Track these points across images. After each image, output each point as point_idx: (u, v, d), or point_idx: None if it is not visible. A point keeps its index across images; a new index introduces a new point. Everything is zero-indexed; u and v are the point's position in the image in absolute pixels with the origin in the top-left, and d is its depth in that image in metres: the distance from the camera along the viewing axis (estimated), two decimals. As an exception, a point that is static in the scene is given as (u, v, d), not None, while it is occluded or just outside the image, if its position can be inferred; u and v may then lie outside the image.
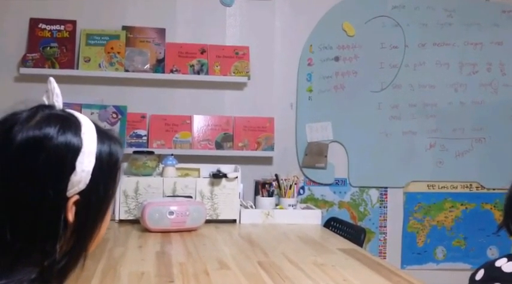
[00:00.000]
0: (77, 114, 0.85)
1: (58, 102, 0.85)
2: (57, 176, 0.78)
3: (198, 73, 3.10)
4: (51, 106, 0.84)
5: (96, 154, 0.82)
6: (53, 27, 3.00)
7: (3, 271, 0.75)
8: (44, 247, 0.78)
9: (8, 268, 0.76)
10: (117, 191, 2.61)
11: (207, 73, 3.10)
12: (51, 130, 0.78)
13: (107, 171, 0.84)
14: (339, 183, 3.26)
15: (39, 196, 0.77)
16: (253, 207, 2.86)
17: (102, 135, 0.85)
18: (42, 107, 0.83)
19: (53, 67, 2.95)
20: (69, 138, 0.79)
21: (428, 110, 3.30)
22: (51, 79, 0.87)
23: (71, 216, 0.80)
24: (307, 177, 3.23)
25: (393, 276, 1.76)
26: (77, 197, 0.80)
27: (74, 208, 0.80)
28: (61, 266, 0.81)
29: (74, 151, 0.79)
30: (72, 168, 0.79)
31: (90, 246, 0.85)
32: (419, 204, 3.32)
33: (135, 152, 2.80)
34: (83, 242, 0.83)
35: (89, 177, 0.80)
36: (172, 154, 2.82)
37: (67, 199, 0.79)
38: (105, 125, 2.98)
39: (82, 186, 0.80)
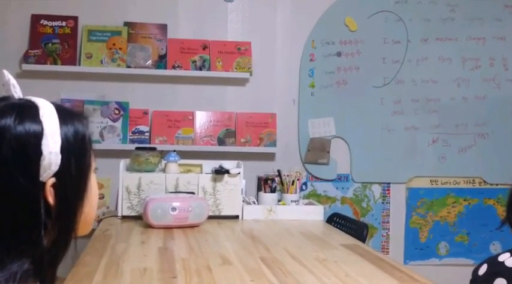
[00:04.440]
0: (34, 99, 0.84)
1: (17, 93, 0.85)
2: (25, 164, 0.78)
3: (200, 69, 3.10)
4: (7, 98, 0.84)
5: (61, 134, 0.82)
6: (55, 23, 3.00)
7: None
8: (30, 237, 0.78)
9: None
10: (120, 187, 2.60)
11: (209, 69, 3.10)
12: (8, 121, 0.78)
13: (75, 148, 0.84)
14: (341, 178, 3.25)
15: (12, 187, 0.77)
16: (256, 202, 2.86)
17: (64, 114, 0.84)
18: None
19: (55, 63, 2.95)
20: (28, 124, 0.79)
21: (431, 105, 3.30)
22: (5, 71, 0.86)
23: (51, 199, 0.80)
24: (309, 173, 3.22)
25: (396, 272, 1.76)
26: (53, 180, 0.80)
27: (52, 191, 0.80)
28: (52, 253, 0.81)
29: (36, 136, 0.79)
30: (38, 153, 0.79)
31: (77, 227, 0.85)
32: (421, 199, 3.31)
33: (137, 148, 2.80)
34: (69, 224, 0.84)
35: (58, 157, 0.80)
36: (174, 150, 2.82)
37: (43, 184, 0.79)
38: (107, 121, 2.99)
39: (54, 167, 0.80)
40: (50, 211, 0.80)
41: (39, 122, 0.80)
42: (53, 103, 0.85)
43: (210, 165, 2.83)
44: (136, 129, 3.04)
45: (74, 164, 0.83)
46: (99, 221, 2.60)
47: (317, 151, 3.21)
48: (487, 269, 1.13)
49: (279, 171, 2.92)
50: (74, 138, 0.84)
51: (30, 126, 0.79)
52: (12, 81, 0.85)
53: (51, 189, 0.80)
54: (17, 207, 0.78)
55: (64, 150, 0.81)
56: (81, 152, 0.85)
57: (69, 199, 0.83)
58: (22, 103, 0.82)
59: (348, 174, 3.26)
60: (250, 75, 3.14)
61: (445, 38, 3.31)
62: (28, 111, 0.81)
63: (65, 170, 0.81)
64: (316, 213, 2.80)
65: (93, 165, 0.89)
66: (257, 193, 2.92)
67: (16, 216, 0.78)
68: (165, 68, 3.07)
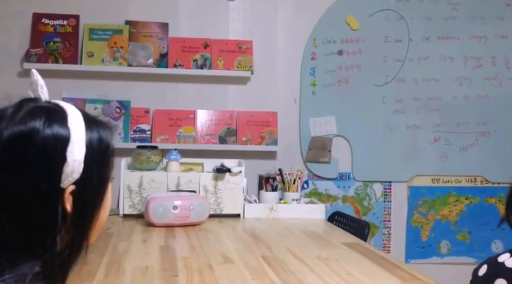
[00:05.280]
0: (62, 103, 0.84)
1: (43, 94, 0.84)
2: (48, 169, 0.78)
3: (202, 67, 3.10)
4: (35, 99, 0.83)
5: (86, 142, 0.81)
6: (56, 22, 3.00)
7: (6, 266, 0.76)
8: (44, 241, 0.78)
9: (10, 263, 0.76)
10: (122, 186, 2.61)
11: (210, 67, 3.10)
12: (37, 124, 0.77)
13: (99, 157, 0.83)
14: (342, 177, 3.25)
15: (32, 191, 0.77)
16: (257, 201, 2.87)
17: (91, 122, 0.84)
18: (26, 101, 0.82)
19: (56, 62, 2.95)
20: (56, 129, 0.78)
21: (433, 104, 3.29)
22: (34, 71, 0.85)
23: (69, 206, 0.80)
24: (311, 172, 3.22)
25: (397, 270, 1.76)
26: (72, 187, 0.80)
27: (71, 198, 0.80)
28: (63, 258, 0.81)
29: (63, 141, 0.79)
30: (63, 159, 0.78)
31: (90, 235, 0.85)
32: (423, 198, 3.31)
33: (138, 147, 2.80)
34: (83, 231, 0.84)
35: (81, 165, 0.80)
36: (176, 149, 2.82)
37: (63, 190, 0.79)
38: (108, 120, 2.99)
39: (76, 175, 0.80)
40: (66, 217, 0.80)
41: (67, 128, 0.79)
42: (80, 110, 0.85)
43: (211, 163, 2.84)
44: (137, 127, 3.04)
45: (95, 174, 0.82)
46: (101, 219, 2.60)
47: (318, 149, 3.21)
48: (487, 270, 1.13)
49: (280, 170, 2.92)
50: (98, 148, 0.83)
51: (58, 131, 0.78)
52: (41, 82, 0.84)
53: (70, 196, 0.80)
54: (34, 210, 0.77)
55: (87, 158, 0.81)
56: (103, 162, 0.85)
57: (87, 208, 0.83)
58: (51, 107, 0.82)
59: (349, 173, 3.26)
60: (252, 73, 3.14)
61: (447, 37, 3.31)
62: (57, 115, 0.80)
63: (86, 179, 0.81)
64: (317, 212, 2.80)
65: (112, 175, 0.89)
66: (258, 192, 2.92)
67: (33, 219, 0.77)
68: (167, 67, 3.07)
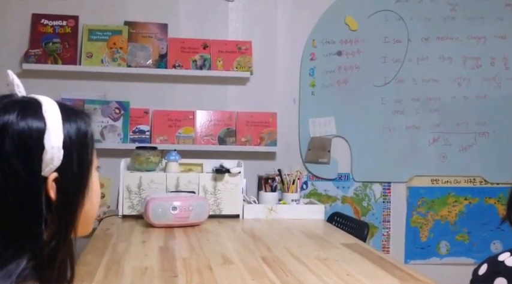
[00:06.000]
0: (37, 96, 0.86)
1: (21, 92, 0.86)
2: (27, 159, 0.79)
3: (201, 68, 3.10)
4: (10, 95, 0.85)
5: (64, 130, 0.83)
6: (55, 23, 3.00)
7: None
8: (30, 230, 0.79)
9: None
10: (121, 187, 2.60)
11: (209, 68, 3.10)
12: (10, 117, 0.79)
13: (77, 144, 0.85)
14: (342, 178, 3.25)
15: (14, 181, 0.78)
16: (256, 202, 2.86)
17: (67, 111, 0.85)
18: (1, 98, 0.84)
19: (56, 63, 2.95)
20: (30, 120, 0.80)
21: (432, 104, 3.29)
22: (9, 71, 0.87)
23: (52, 194, 0.81)
24: (310, 172, 3.22)
25: (396, 271, 1.76)
26: (55, 175, 0.81)
27: (54, 186, 0.81)
28: (51, 249, 0.82)
29: (39, 131, 0.80)
30: (41, 148, 0.80)
31: (77, 224, 0.86)
32: (422, 198, 3.31)
33: (138, 147, 2.80)
34: (69, 220, 0.84)
35: (61, 152, 0.81)
36: (175, 150, 2.82)
37: (45, 178, 0.80)
38: (108, 121, 2.99)
39: (56, 162, 0.81)
40: (51, 205, 0.81)
41: (42, 118, 0.81)
42: (56, 100, 0.86)
43: (210, 164, 2.83)
44: (137, 128, 3.04)
45: (75, 160, 0.84)
46: (100, 220, 2.60)
47: (318, 150, 3.21)
48: (487, 269, 1.13)
49: (279, 170, 2.92)
50: (76, 135, 0.85)
51: (33, 122, 0.80)
52: (17, 81, 0.86)
53: (53, 183, 0.81)
54: (18, 201, 0.79)
55: (66, 145, 0.82)
56: (82, 148, 0.86)
57: (70, 194, 0.84)
58: (25, 100, 0.83)
59: (349, 173, 3.26)
60: (251, 74, 3.14)
61: (446, 37, 3.31)
62: (31, 107, 0.82)
63: (67, 165, 0.82)
64: (316, 212, 2.80)
65: (95, 162, 0.90)
66: (258, 193, 2.92)
67: (17, 210, 0.79)
68: (166, 67, 3.07)
